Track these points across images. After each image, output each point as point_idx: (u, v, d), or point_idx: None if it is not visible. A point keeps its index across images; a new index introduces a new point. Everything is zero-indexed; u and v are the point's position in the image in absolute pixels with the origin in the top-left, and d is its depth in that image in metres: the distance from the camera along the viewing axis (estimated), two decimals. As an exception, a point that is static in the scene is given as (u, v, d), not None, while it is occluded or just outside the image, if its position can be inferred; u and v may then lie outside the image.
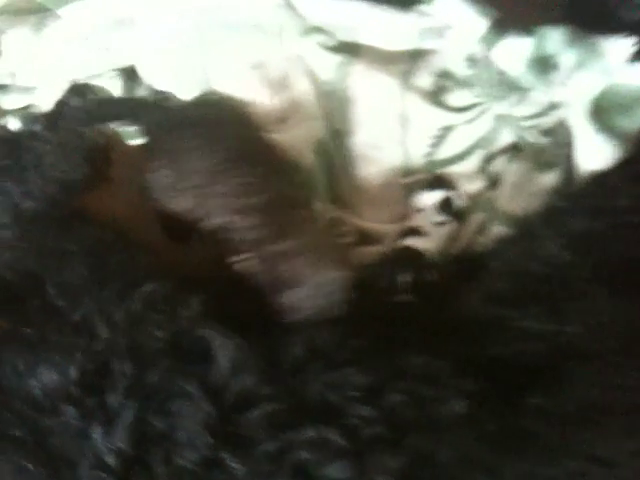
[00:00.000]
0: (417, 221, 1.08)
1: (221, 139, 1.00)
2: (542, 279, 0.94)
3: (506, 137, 1.13)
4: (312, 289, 0.92)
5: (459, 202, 1.10)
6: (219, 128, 1.03)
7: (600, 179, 1.02)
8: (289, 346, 0.87)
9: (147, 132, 1.08)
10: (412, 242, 1.06)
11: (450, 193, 1.10)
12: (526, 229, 1.01)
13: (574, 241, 0.92)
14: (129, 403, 0.80)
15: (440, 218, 1.08)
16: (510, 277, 0.95)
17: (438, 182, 1.10)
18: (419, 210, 1.09)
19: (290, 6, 1.16)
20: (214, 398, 0.80)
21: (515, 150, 1.12)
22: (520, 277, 0.95)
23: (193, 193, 0.97)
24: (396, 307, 0.97)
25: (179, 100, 1.13)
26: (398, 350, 0.88)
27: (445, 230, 1.07)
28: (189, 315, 0.89)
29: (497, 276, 0.96)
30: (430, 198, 1.09)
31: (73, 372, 0.82)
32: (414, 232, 1.07)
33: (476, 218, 1.11)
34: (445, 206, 1.09)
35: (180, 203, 0.98)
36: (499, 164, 1.13)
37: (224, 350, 0.84)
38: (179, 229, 1.02)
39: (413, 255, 1.04)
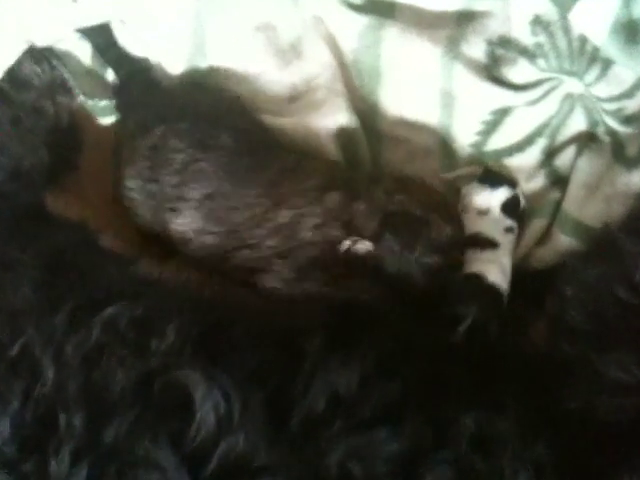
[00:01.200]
0: (482, 226, 0.85)
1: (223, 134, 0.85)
2: (633, 311, 0.71)
3: (578, 123, 0.90)
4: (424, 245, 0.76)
5: (524, 203, 0.88)
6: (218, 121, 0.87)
7: None
8: (301, 393, 0.68)
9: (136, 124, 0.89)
10: (483, 259, 0.83)
11: (516, 191, 0.87)
12: (607, 244, 0.78)
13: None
14: (78, 470, 0.62)
15: (508, 223, 0.85)
16: (590, 307, 0.74)
17: (495, 177, 0.87)
18: (481, 213, 0.86)
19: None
20: (193, 468, 0.62)
21: (589, 140, 0.89)
22: (604, 307, 0.73)
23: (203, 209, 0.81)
24: (449, 342, 0.74)
25: (162, 77, 0.92)
26: (446, 403, 0.68)
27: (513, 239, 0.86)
28: (164, 349, 0.69)
29: (573, 304, 0.74)
30: (493, 198, 0.87)
31: (6, 426, 0.65)
32: (482, 243, 0.84)
33: (536, 225, 0.88)
34: (512, 208, 0.87)
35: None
36: (567, 158, 0.90)
37: (209, 400, 0.66)
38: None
39: (485, 290, 0.80)
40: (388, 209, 0.78)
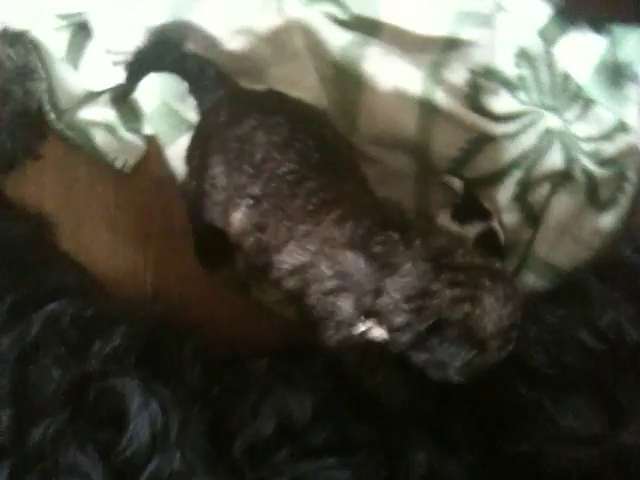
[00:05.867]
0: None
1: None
2: (597, 358, 0.69)
3: (555, 160, 0.88)
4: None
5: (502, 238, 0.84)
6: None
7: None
8: (249, 416, 0.66)
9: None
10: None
11: (492, 225, 0.84)
12: (575, 287, 0.76)
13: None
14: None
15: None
16: (552, 350, 0.72)
17: (468, 211, 0.84)
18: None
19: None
20: (120, 482, 0.58)
21: (564, 179, 0.87)
22: (566, 352, 0.71)
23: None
24: (405, 379, 0.71)
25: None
26: (400, 438, 0.65)
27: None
28: (106, 353, 0.65)
29: (535, 346, 0.71)
30: (470, 229, 0.83)
31: None
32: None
33: (507, 264, 0.86)
34: (488, 242, 0.83)
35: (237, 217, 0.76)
36: (541, 195, 0.88)
37: (145, 413, 0.62)
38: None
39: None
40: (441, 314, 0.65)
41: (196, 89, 0.84)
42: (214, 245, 0.84)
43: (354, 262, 0.68)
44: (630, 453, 0.66)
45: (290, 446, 0.62)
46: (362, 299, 0.67)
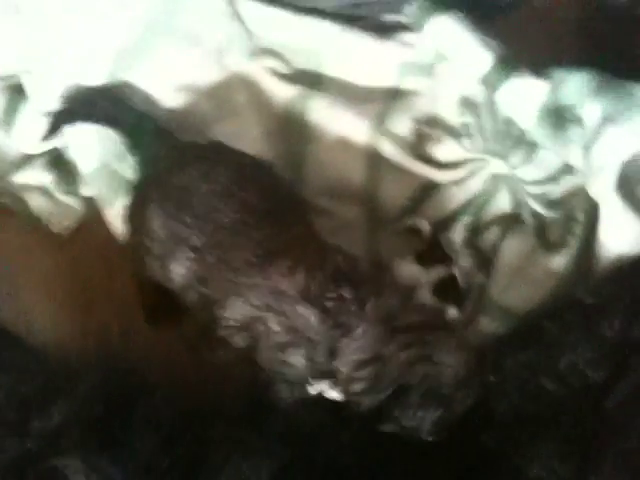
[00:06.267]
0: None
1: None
2: (558, 404, 0.68)
3: (503, 203, 0.88)
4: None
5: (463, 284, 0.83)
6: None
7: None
8: None
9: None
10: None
11: (453, 269, 0.83)
12: (532, 330, 0.75)
13: (608, 353, 0.66)
14: None
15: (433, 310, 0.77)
16: (513, 398, 0.70)
17: (427, 257, 0.83)
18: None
19: (237, 18, 0.90)
20: None
21: (513, 222, 0.87)
22: (528, 399, 0.69)
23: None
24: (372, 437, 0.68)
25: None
26: None
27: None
28: (46, 431, 0.61)
29: (495, 395, 0.69)
30: (424, 278, 0.81)
31: None
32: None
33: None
34: (448, 288, 0.82)
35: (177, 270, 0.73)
36: (491, 239, 0.87)
37: None
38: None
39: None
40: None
41: (134, 144, 0.82)
42: (158, 301, 0.80)
43: (305, 317, 0.66)
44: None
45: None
46: (314, 357, 0.65)
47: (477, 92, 0.85)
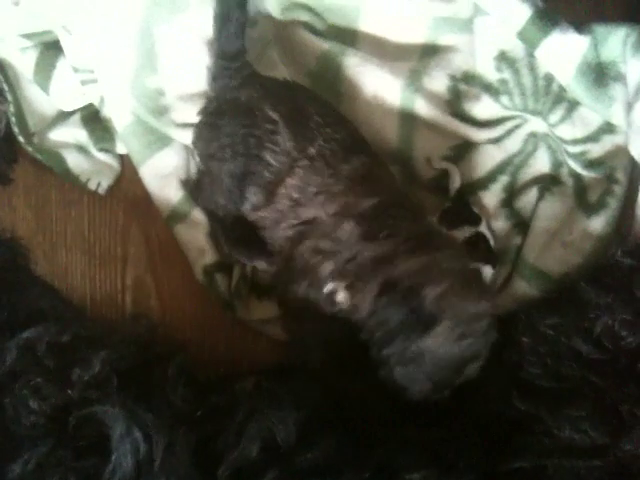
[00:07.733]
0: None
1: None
2: (593, 367, 0.67)
3: (541, 164, 0.86)
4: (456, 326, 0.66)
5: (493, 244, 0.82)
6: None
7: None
8: (234, 439, 0.63)
9: None
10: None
11: (480, 230, 0.82)
12: (567, 293, 0.74)
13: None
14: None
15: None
16: (547, 361, 0.69)
17: (455, 216, 0.82)
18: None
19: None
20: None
21: (552, 183, 0.86)
22: (561, 362, 0.68)
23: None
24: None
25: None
26: (388, 459, 0.63)
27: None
28: (87, 381, 0.62)
29: (529, 358, 0.69)
30: (458, 234, 0.81)
31: None
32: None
33: (499, 271, 0.84)
34: (477, 248, 0.81)
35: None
36: (529, 200, 0.86)
37: (127, 441, 0.60)
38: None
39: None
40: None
41: (231, 57, 0.82)
42: (246, 233, 0.81)
43: (352, 235, 0.71)
44: (632, 463, 0.64)
45: (275, 469, 0.60)
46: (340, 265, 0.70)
47: (516, 47, 0.82)
